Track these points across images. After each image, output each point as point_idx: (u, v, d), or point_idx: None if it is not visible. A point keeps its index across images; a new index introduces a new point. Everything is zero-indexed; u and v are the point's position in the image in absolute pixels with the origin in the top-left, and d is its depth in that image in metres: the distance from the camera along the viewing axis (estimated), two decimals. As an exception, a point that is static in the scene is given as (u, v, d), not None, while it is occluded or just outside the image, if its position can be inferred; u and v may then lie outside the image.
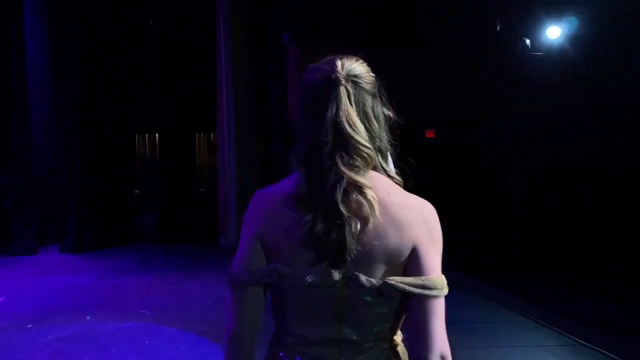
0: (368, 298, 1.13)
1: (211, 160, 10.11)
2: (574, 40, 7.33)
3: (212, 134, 11.22)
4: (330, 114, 1.11)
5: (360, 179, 1.10)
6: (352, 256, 1.09)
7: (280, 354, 1.19)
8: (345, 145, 1.10)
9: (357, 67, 1.16)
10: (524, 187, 7.95)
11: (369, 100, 1.16)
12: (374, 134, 1.15)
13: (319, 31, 7.80)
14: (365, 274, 1.11)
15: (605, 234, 6.23)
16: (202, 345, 4.14)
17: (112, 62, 8.15)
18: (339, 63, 1.15)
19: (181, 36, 8.50)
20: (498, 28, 7.83)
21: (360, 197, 1.09)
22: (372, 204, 1.09)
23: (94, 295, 5.49)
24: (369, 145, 1.12)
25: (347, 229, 1.08)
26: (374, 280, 1.12)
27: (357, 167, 1.10)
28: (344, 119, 1.10)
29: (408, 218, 1.12)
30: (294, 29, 7.79)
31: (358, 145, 1.10)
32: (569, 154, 7.09)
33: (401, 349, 1.21)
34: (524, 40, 7.79)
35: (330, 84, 1.13)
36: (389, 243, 1.11)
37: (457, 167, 8.26)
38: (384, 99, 1.20)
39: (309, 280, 1.12)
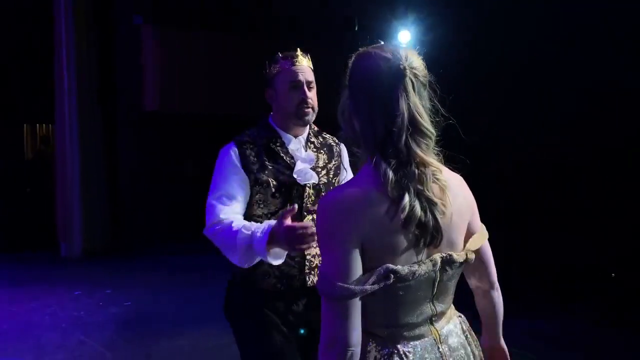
0: (455, 271, 1.27)
1: (43, 155, 8.75)
2: (424, 44, 7.77)
3: (43, 124, 9.74)
4: (403, 104, 1.17)
5: (435, 163, 1.21)
6: (443, 236, 1.20)
7: (372, 345, 1.22)
8: (418, 133, 1.18)
9: (416, 59, 1.22)
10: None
11: (424, 93, 1.23)
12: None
13: (171, 12, 7.22)
14: (454, 251, 1.25)
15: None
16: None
17: None
18: (403, 53, 1.20)
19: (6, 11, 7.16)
20: (356, 28, 8.03)
21: (435, 180, 1.20)
22: (446, 185, 1.21)
23: None
24: (434, 131, 1.21)
25: (436, 211, 1.17)
26: (462, 254, 1.26)
27: (429, 151, 1.20)
28: (414, 110, 1.18)
29: (461, 190, 1.29)
30: (143, 9, 7.08)
31: (428, 132, 1.19)
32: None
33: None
34: (379, 42, 8.07)
35: (398, 75, 1.18)
36: (461, 216, 1.26)
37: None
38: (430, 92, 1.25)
39: (419, 272, 1.18)
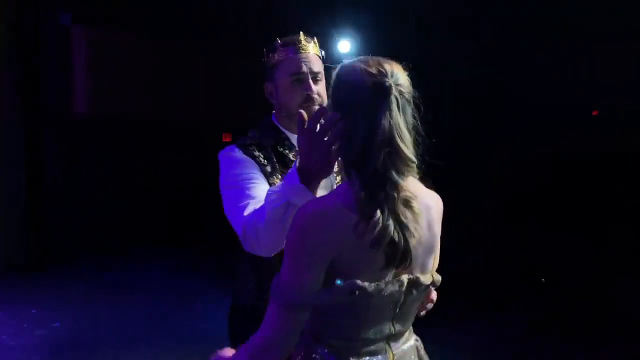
0: (420, 294, 1.27)
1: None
2: (363, 54, 7.84)
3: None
4: (384, 124, 1.14)
5: (409, 191, 1.18)
6: (413, 259, 1.18)
7: (323, 352, 1.21)
8: (396, 155, 1.15)
9: (402, 75, 1.19)
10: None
11: (408, 110, 1.20)
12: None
13: (101, 12, 6.87)
14: (421, 273, 1.25)
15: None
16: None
17: None
18: (388, 69, 1.18)
19: None
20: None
21: (409, 206, 1.17)
22: (419, 212, 1.19)
23: None
24: (414, 159, 1.19)
25: (407, 233, 1.15)
26: (428, 277, 1.27)
27: (404, 175, 1.18)
28: (395, 131, 1.15)
29: (436, 215, 1.29)
30: (71, 8, 6.68)
31: (407, 157, 1.17)
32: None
33: None
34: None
35: (382, 92, 1.15)
36: (432, 241, 1.27)
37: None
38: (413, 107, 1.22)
39: (385, 291, 1.17)
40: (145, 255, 6.64)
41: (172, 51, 7.83)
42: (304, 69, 1.64)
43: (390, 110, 1.14)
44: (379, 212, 1.12)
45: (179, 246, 6.89)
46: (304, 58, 1.65)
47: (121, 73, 7.36)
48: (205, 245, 6.56)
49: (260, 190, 1.52)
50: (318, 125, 1.27)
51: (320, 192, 1.38)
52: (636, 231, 5.82)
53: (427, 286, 1.27)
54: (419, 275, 1.23)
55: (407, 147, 1.16)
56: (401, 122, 1.16)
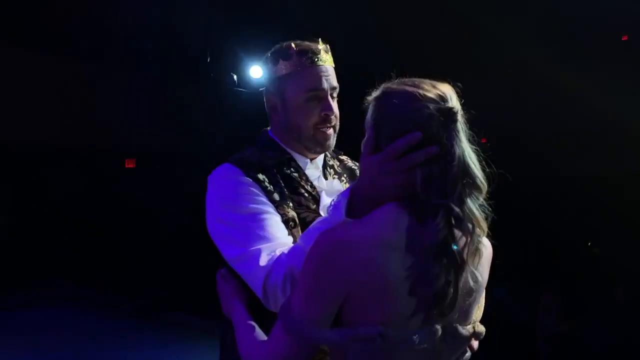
0: (457, 347, 1.10)
1: None
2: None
3: None
4: (457, 152, 1.04)
5: (483, 221, 1.05)
6: (455, 308, 1.02)
7: None
8: (473, 185, 1.05)
9: (455, 97, 1.10)
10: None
11: (466, 131, 1.10)
12: None
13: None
14: (461, 324, 1.07)
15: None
16: None
17: None
18: (451, 94, 1.09)
19: None
20: (208, 60, 7.74)
21: (478, 250, 1.04)
22: (481, 252, 1.06)
23: None
24: (486, 185, 1.07)
25: (461, 278, 1.01)
26: (469, 329, 1.08)
27: (478, 205, 1.05)
28: (468, 159, 1.05)
29: (485, 260, 1.11)
30: None
31: (482, 186, 1.06)
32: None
33: None
34: (232, 76, 7.92)
35: (449, 118, 1.06)
36: (480, 288, 1.09)
37: (162, 197, 7.85)
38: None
39: (416, 342, 1.00)
40: (48, 293, 6.23)
41: (69, 74, 7.33)
42: (324, 85, 1.39)
43: (458, 137, 1.05)
44: (421, 256, 0.99)
45: (85, 284, 6.56)
46: (324, 72, 1.40)
47: (9, 96, 6.78)
48: (115, 283, 6.31)
49: (274, 227, 1.26)
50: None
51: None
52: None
53: (467, 338, 1.09)
54: (457, 325, 1.06)
55: (480, 174, 1.06)
56: (469, 148, 1.07)
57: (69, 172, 7.37)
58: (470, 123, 1.12)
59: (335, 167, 1.56)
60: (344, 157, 1.63)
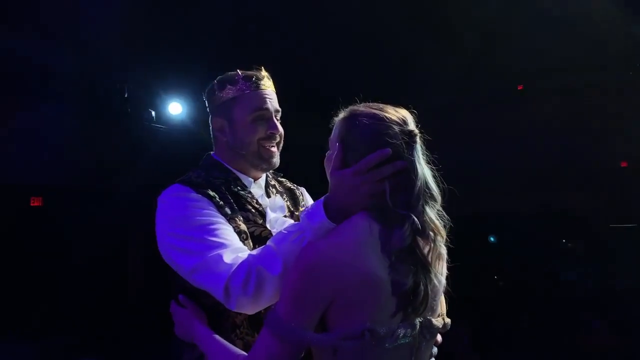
0: (431, 339, 1.20)
1: None
2: (195, 117, 7.80)
3: None
4: (418, 168, 1.18)
5: (442, 228, 1.19)
6: (427, 304, 1.14)
7: None
8: (432, 198, 1.19)
9: (412, 121, 1.25)
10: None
11: (423, 151, 1.25)
12: None
13: None
14: (432, 316, 1.19)
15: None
16: None
17: None
18: (406, 115, 1.23)
19: None
20: (126, 95, 7.59)
21: (440, 253, 1.19)
22: (444, 254, 1.20)
23: None
24: (439, 194, 1.21)
25: (428, 281, 1.13)
26: (439, 320, 1.21)
27: (436, 213, 1.19)
28: (426, 171, 1.20)
29: (445, 261, 1.26)
30: None
31: (438, 199, 1.21)
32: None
33: None
34: (150, 112, 7.79)
35: (411, 139, 1.20)
36: (442, 286, 1.23)
37: (72, 239, 7.45)
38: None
39: (396, 334, 1.09)
40: None
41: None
42: (269, 106, 1.54)
43: (418, 155, 1.20)
44: (398, 260, 1.10)
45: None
46: (268, 95, 1.55)
47: None
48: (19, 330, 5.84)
49: (229, 234, 1.34)
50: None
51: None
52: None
53: (439, 330, 1.22)
54: (430, 317, 1.19)
55: (436, 188, 1.21)
56: (426, 166, 1.22)
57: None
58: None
59: (277, 186, 1.69)
60: (283, 179, 1.76)
